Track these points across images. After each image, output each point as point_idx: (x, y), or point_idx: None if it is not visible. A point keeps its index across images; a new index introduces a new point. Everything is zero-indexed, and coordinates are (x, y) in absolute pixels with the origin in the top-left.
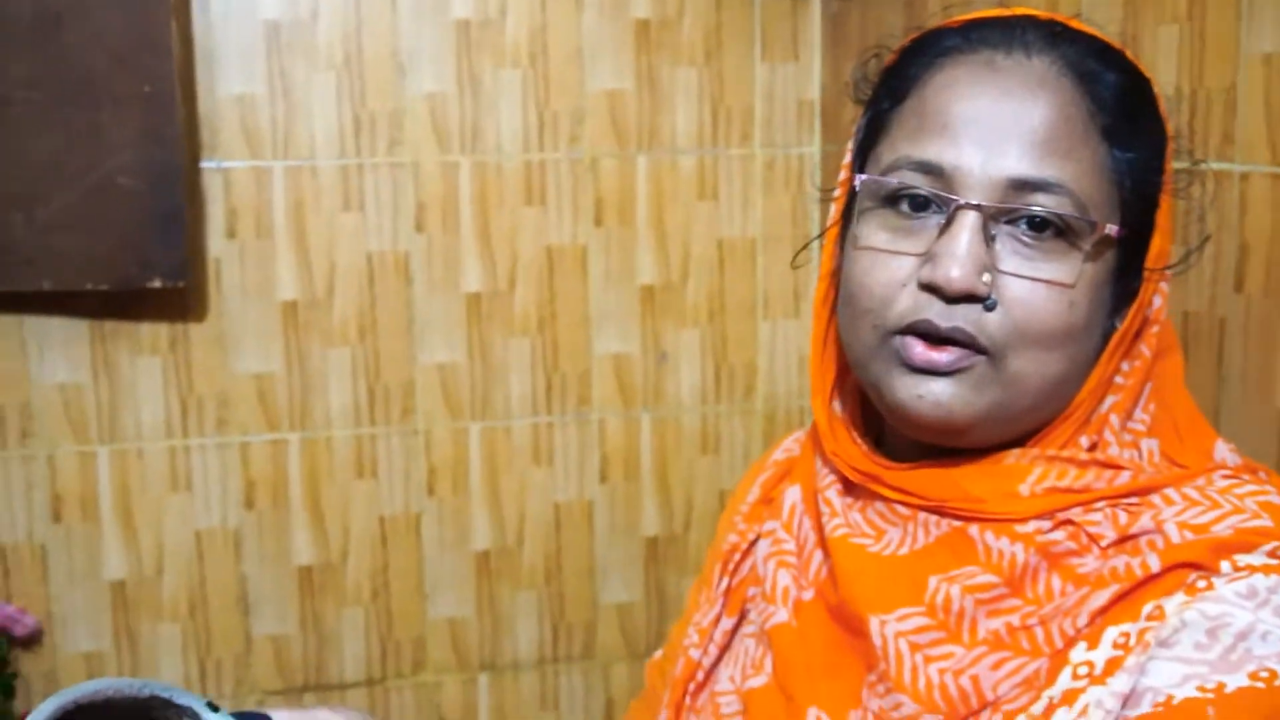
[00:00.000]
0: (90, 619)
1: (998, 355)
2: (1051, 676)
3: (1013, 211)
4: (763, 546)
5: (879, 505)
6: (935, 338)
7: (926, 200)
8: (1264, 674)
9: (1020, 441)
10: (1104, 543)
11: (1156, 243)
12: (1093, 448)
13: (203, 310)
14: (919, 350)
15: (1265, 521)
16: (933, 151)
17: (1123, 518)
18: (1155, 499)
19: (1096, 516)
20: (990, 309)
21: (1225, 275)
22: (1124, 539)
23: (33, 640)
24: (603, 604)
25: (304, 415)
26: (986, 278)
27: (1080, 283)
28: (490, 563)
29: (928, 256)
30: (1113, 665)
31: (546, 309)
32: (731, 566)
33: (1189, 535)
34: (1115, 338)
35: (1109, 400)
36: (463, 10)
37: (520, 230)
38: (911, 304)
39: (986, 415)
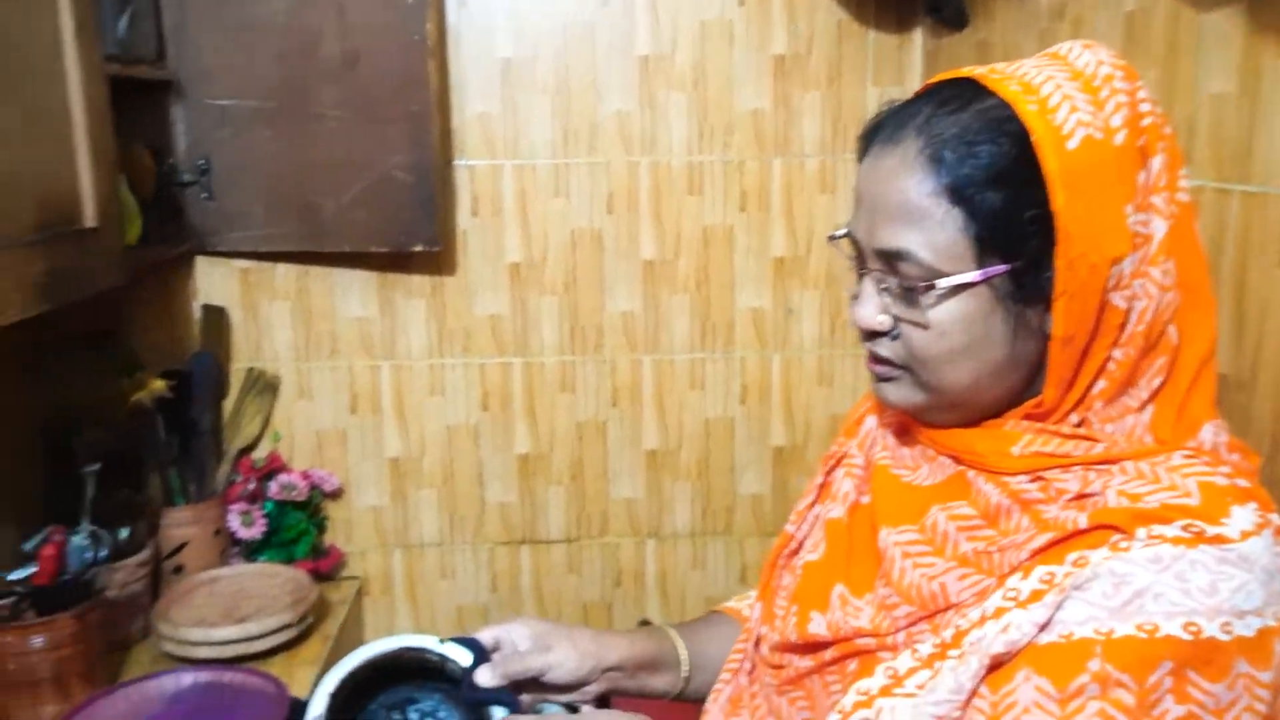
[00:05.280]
0: (374, 483)
1: (910, 369)
2: (991, 594)
3: (885, 272)
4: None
5: (920, 447)
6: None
7: None
8: (1148, 626)
9: (1009, 411)
10: (1067, 497)
11: (1061, 263)
12: (1080, 423)
13: (453, 267)
14: (869, 364)
15: (1192, 500)
16: (850, 223)
17: (1091, 477)
18: (1115, 469)
19: (1068, 476)
20: (895, 339)
21: None
22: (1080, 496)
23: (336, 495)
24: (740, 494)
25: (524, 345)
26: (883, 317)
27: (945, 320)
28: (657, 460)
29: None
30: (1035, 596)
31: (702, 273)
32: (827, 468)
33: (1123, 502)
34: (1056, 344)
35: (1099, 385)
36: (644, 49)
37: (684, 214)
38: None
39: (926, 405)
